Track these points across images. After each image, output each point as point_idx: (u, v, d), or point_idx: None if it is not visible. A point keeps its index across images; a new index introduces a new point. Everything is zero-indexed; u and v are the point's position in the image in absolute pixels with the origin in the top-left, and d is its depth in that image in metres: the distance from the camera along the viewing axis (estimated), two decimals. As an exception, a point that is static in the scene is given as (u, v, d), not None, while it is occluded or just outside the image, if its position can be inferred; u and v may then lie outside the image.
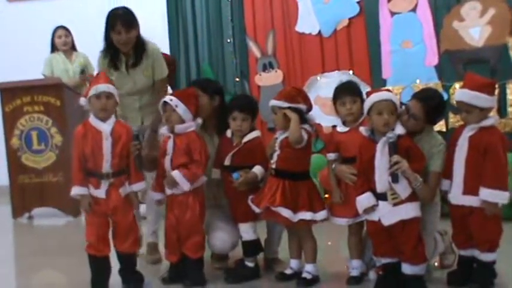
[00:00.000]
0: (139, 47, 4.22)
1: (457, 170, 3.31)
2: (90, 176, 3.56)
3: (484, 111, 3.26)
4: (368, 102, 3.33)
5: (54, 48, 6.94)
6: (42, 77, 6.83)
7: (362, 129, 3.38)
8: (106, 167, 3.53)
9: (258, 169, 3.68)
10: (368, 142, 3.34)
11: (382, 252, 3.40)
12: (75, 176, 3.57)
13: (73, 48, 6.98)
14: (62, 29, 6.90)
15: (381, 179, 3.24)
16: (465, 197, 3.29)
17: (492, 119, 3.29)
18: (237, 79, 6.67)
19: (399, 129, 3.27)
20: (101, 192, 3.55)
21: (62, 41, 6.86)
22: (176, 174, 3.60)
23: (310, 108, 3.63)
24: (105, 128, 3.54)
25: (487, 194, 3.19)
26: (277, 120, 3.61)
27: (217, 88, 4.12)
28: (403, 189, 3.23)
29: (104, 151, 3.52)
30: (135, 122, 4.26)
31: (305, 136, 3.54)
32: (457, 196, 3.32)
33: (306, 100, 3.62)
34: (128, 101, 4.28)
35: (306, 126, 3.57)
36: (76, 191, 3.54)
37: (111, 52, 4.23)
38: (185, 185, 3.60)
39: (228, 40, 6.74)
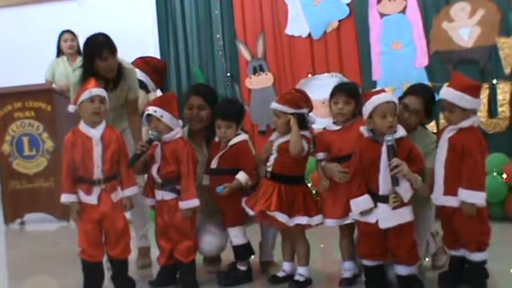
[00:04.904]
0: (119, 71, 4.07)
1: (437, 171, 3.32)
2: (81, 182, 3.55)
3: (466, 112, 3.26)
4: (370, 105, 3.28)
5: (59, 52, 6.93)
6: (36, 82, 6.77)
7: (363, 129, 3.35)
8: (97, 173, 3.52)
9: (241, 176, 3.64)
10: (370, 143, 3.30)
11: (369, 254, 3.40)
12: (64, 183, 3.56)
13: (78, 52, 6.94)
14: (68, 33, 6.88)
15: (385, 181, 3.24)
16: (446, 198, 3.29)
17: (471, 119, 3.28)
18: (228, 82, 6.68)
19: (401, 132, 3.27)
20: (92, 199, 3.54)
21: (68, 45, 6.84)
22: (182, 205, 3.57)
23: (311, 109, 3.62)
24: (95, 133, 3.53)
25: (465, 195, 3.20)
26: (280, 125, 3.55)
27: (216, 98, 4.11)
28: (405, 191, 3.23)
29: (94, 157, 3.51)
30: None
31: (306, 147, 3.51)
32: (438, 197, 3.33)
33: (308, 102, 3.60)
34: None
35: (306, 133, 3.55)
36: (64, 198, 3.54)
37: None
38: (193, 203, 3.59)
39: (218, 43, 6.76)
